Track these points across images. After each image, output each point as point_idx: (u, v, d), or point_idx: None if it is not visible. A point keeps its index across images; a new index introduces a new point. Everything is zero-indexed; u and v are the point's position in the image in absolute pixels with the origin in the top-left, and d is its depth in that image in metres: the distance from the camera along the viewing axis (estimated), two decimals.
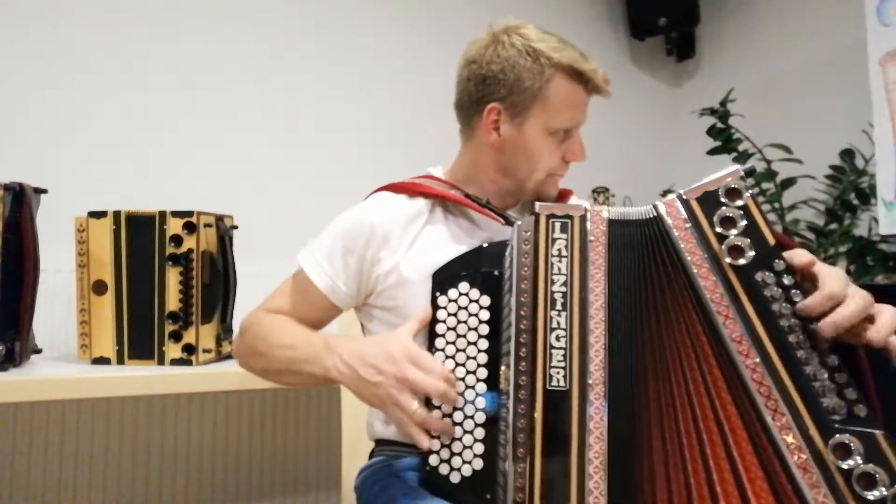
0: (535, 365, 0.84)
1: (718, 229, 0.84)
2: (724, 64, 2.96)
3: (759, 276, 0.82)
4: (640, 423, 0.83)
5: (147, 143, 2.05)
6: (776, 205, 2.51)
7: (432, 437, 0.89)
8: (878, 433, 0.76)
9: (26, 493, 1.78)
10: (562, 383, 0.84)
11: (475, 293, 0.93)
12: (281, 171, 2.23)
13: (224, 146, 2.16)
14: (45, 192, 1.56)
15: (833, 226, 2.44)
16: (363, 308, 1.14)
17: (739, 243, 0.82)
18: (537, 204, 0.90)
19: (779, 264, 0.82)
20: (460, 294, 0.94)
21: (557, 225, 0.89)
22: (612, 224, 0.89)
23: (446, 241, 1.07)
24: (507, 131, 1.08)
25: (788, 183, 2.49)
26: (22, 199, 1.47)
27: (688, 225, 0.86)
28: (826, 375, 0.78)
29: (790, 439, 0.77)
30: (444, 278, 0.95)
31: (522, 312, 0.87)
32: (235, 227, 1.75)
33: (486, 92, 1.08)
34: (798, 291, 0.81)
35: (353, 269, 1.08)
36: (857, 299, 0.80)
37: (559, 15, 2.79)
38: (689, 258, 0.84)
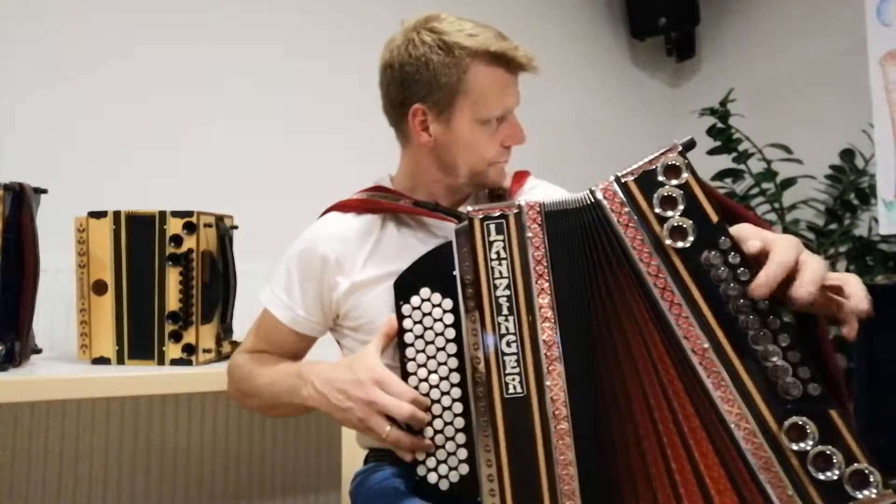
0: (489, 374, 0.84)
1: (658, 210, 0.81)
2: (724, 64, 2.96)
3: (703, 256, 0.79)
4: (603, 419, 0.83)
5: (147, 143, 2.05)
6: (776, 205, 2.51)
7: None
8: (833, 412, 0.74)
9: (26, 493, 1.78)
10: (519, 389, 0.83)
11: (437, 297, 0.91)
12: (281, 171, 2.23)
13: (224, 146, 2.16)
14: (45, 192, 1.56)
15: (833, 226, 2.44)
16: (335, 328, 1.13)
17: (681, 224, 0.79)
18: (468, 208, 0.88)
19: (724, 242, 0.78)
20: (423, 300, 0.92)
21: (492, 227, 0.86)
22: (551, 216, 0.87)
23: (402, 252, 1.04)
24: (436, 130, 1.05)
25: (788, 183, 2.49)
26: (22, 199, 1.47)
27: (626, 209, 0.82)
28: (778, 356, 0.76)
29: (743, 424, 0.76)
30: (405, 286, 0.93)
31: (472, 320, 0.85)
32: (235, 227, 1.75)
33: (406, 94, 1.05)
34: (745, 269, 0.77)
35: (312, 296, 1.07)
36: (812, 265, 0.75)
37: (559, 15, 2.79)
38: (629, 243, 0.81)
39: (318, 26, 2.36)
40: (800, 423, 0.74)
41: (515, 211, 0.87)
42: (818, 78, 2.61)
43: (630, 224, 0.82)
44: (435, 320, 0.91)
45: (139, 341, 1.55)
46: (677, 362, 0.79)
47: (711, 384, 0.77)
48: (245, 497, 2.06)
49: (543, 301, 0.84)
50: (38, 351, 1.58)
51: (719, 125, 2.53)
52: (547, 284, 0.84)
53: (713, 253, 0.78)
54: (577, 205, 0.86)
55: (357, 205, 1.10)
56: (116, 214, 1.57)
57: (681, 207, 0.80)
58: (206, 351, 1.59)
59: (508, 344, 0.84)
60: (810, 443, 0.74)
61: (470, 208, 0.88)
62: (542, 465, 0.81)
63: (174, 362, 1.54)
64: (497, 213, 0.87)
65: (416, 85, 1.03)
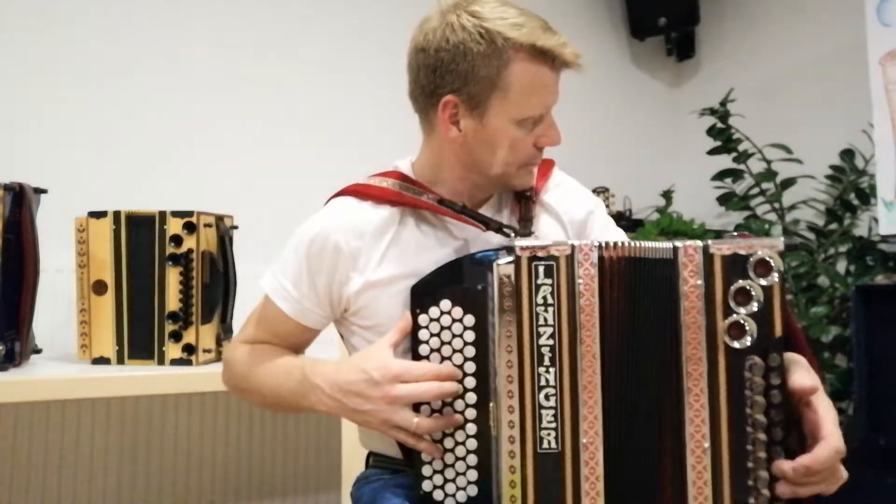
0: (524, 426, 0.79)
1: (731, 302, 0.77)
2: (724, 64, 2.96)
3: (749, 361, 0.77)
4: (635, 484, 0.81)
5: (147, 143, 2.05)
6: (776, 205, 2.51)
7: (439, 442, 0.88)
8: None
9: (26, 493, 1.78)
10: (553, 445, 0.79)
11: (458, 311, 0.87)
12: (281, 171, 2.23)
13: (224, 146, 2.16)
14: (45, 192, 1.56)
15: (833, 226, 2.44)
16: (343, 322, 1.06)
17: (745, 324, 0.77)
18: (517, 243, 0.82)
19: (774, 359, 0.77)
20: (442, 312, 0.87)
21: (541, 269, 0.80)
22: (605, 261, 0.82)
23: (420, 250, 0.99)
24: (467, 126, 0.95)
25: (788, 183, 2.49)
26: (22, 199, 1.47)
27: (699, 282, 0.78)
28: (768, 483, 0.77)
29: None
30: (423, 294, 0.89)
31: (508, 365, 0.80)
32: (235, 227, 1.75)
33: (438, 83, 0.94)
34: (779, 392, 0.76)
35: (323, 289, 1.00)
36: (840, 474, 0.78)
37: (559, 15, 2.77)
38: (683, 317, 0.79)
39: (319, 27, 2.35)
40: None
41: (567, 252, 0.81)
42: (818, 78, 2.61)
43: (695, 300, 0.79)
44: (454, 336, 0.87)
45: (139, 341, 1.55)
46: (675, 452, 0.80)
47: (693, 487, 0.78)
48: (245, 497, 2.06)
49: (589, 355, 0.80)
50: (38, 351, 1.58)
51: (719, 125, 2.53)
52: (593, 336, 0.80)
53: (759, 363, 0.77)
54: (654, 255, 0.81)
55: (377, 194, 1.01)
56: (116, 214, 1.57)
57: (752, 308, 0.77)
58: (206, 351, 1.58)
59: (547, 397, 0.79)
60: None
61: (519, 244, 0.81)
62: None
63: (174, 362, 1.54)
64: (546, 255, 0.81)
65: (451, 75, 0.93)
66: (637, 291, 0.82)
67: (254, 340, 1.06)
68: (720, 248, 0.78)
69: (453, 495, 0.87)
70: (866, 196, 2.36)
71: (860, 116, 2.28)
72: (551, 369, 0.80)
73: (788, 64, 2.73)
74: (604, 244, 0.82)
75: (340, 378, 0.88)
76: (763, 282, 0.77)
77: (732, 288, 0.77)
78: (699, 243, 0.79)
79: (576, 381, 0.80)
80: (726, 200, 2.60)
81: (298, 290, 1.01)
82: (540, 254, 0.81)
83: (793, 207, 2.54)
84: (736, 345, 0.77)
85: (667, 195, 2.78)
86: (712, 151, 2.55)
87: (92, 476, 1.86)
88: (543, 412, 0.79)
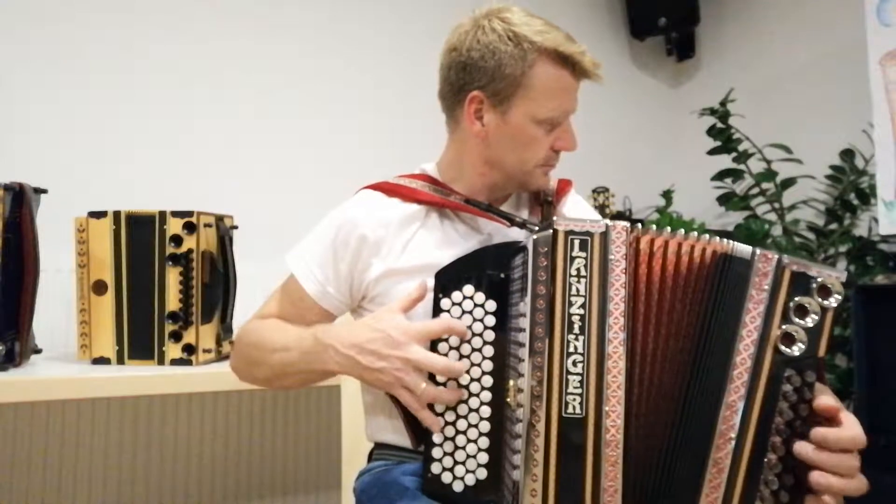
0: (550, 390, 0.82)
1: (791, 313, 0.83)
2: (724, 64, 2.96)
3: (788, 372, 0.82)
4: (655, 451, 0.83)
5: (147, 143, 2.05)
6: (776, 205, 2.51)
7: (439, 413, 0.90)
8: None
9: (26, 493, 1.78)
10: (578, 410, 0.82)
11: (480, 297, 0.91)
12: (281, 171, 2.23)
13: (224, 146, 2.16)
14: (45, 192, 1.56)
15: (833, 226, 2.45)
16: (359, 311, 1.12)
17: (796, 336, 0.82)
18: (556, 219, 0.85)
19: (810, 376, 0.81)
20: (465, 297, 0.91)
21: (577, 242, 0.84)
22: (642, 243, 0.86)
23: (443, 244, 1.05)
24: (490, 121, 1.03)
25: (788, 183, 2.50)
26: (22, 199, 1.47)
27: (767, 287, 0.83)
28: (775, 487, 0.80)
29: None
30: (447, 280, 0.92)
31: (538, 333, 0.83)
32: (235, 227, 1.75)
33: (466, 80, 1.03)
34: (806, 405, 0.81)
35: (345, 275, 1.07)
36: (860, 480, 0.82)
37: (559, 15, 2.77)
38: (744, 316, 0.83)
39: (320, 26, 2.36)
40: None
41: (602, 230, 0.84)
42: (818, 78, 2.61)
43: (759, 301, 0.83)
44: (475, 320, 0.90)
45: (139, 341, 1.55)
46: (701, 434, 0.83)
47: (710, 470, 0.82)
48: (245, 497, 2.06)
49: (615, 326, 0.83)
50: (38, 351, 1.58)
51: (719, 125, 2.53)
52: (622, 310, 0.83)
53: (796, 375, 0.81)
54: (741, 254, 0.85)
55: (407, 193, 1.08)
56: (116, 214, 1.57)
57: (807, 323, 0.82)
58: (206, 351, 1.59)
59: (575, 363, 0.82)
60: None
61: (557, 219, 0.85)
62: (588, 487, 0.81)
63: (174, 362, 1.54)
64: (582, 230, 0.84)
65: (479, 72, 1.02)
66: (683, 277, 0.86)
67: (271, 315, 1.11)
68: (794, 265, 0.84)
69: (462, 478, 0.88)
70: (866, 196, 2.36)
71: (860, 116, 2.28)
72: (580, 337, 0.83)
73: (788, 64, 2.73)
74: (640, 227, 0.87)
75: (357, 336, 0.91)
76: (824, 302, 0.82)
77: (794, 301, 0.83)
78: (774, 254, 0.85)
79: (602, 350, 0.82)
80: (726, 200, 2.60)
81: (323, 273, 1.07)
82: (576, 228, 0.84)
83: (793, 207, 2.54)
84: (786, 350, 0.82)
85: (667, 195, 2.78)
86: (712, 151, 2.55)
87: (92, 476, 1.86)
88: (570, 377, 0.82)
